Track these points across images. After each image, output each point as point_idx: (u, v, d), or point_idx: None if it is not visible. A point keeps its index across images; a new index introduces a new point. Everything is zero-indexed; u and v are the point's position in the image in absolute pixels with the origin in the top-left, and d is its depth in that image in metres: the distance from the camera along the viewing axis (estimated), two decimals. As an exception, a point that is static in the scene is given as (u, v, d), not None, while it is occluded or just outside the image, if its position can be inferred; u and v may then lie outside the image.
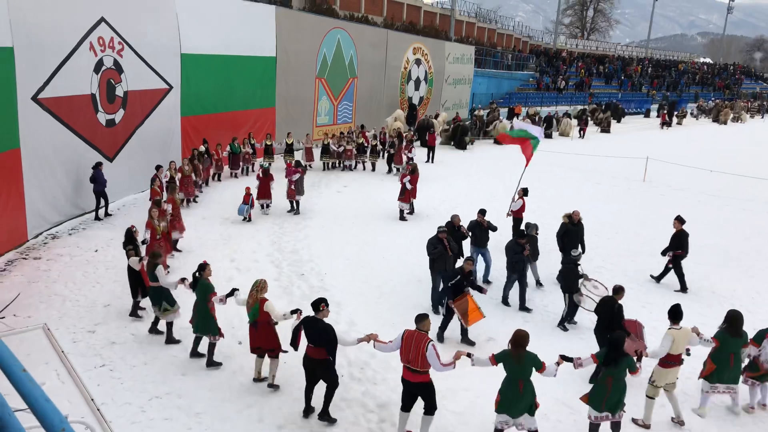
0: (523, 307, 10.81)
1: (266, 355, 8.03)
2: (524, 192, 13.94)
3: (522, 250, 10.60)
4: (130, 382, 8.00)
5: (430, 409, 6.94)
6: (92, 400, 5.99)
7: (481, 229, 11.77)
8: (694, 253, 12.52)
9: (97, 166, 14.28)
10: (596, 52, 66.50)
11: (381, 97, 29.18)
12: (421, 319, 6.90)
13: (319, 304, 7.28)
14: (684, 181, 22.48)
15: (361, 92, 28.04)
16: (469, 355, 6.95)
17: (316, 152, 21.95)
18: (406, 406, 7.03)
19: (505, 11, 54.69)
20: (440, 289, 10.43)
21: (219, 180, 19.16)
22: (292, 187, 16.06)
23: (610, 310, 8.45)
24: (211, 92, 19.49)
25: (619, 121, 42.78)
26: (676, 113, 44.67)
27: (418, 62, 31.75)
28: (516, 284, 10.87)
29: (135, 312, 9.88)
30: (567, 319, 10.31)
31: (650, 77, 60.45)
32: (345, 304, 10.75)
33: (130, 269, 9.79)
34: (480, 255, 11.84)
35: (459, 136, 28.08)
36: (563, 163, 24.73)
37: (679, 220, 12.29)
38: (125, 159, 16.05)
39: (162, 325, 9.27)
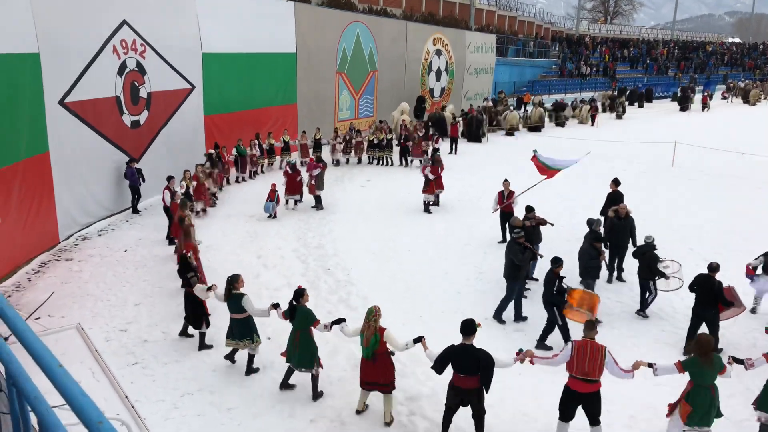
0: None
1: (378, 390, 7.31)
2: (507, 182, 13.46)
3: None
4: (162, 380, 8.12)
5: (597, 419, 6.71)
6: (126, 397, 6.11)
7: (533, 227, 11.51)
8: (724, 240, 12.23)
9: (128, 163, 14.97)
10: (620, 36, 65.42)
11: (402, 90, 29.07)
12: (591, 327, 6.69)
13: (473, 326, 6.70)
14: (714, 166, 22.02)
15: (382, 85, 27.98)
16: (650, 365, 6.71)
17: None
18: (570, 416, 6.76)
19: (525, -2, 54.12)
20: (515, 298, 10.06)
21: (228, 183, 18.49)
22: (313, 182, 16.12)
23: (710, 288, 8.72)
24: (233, 91, 19.62)
25: (641, 105, 42.04)
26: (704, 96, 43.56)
27: (438, 53, 31.56)
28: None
29: (185, 333, 9.24)
30: (646, 306, 10.21)
31: (677, 60, 59.24)
32: (371, 298, 10.74)
33: (191, 298, 8.87)
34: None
35: (474, 129, 27.76)
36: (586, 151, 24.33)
37: (615, 182, 13.33)
38: (151, 159, 16.25)
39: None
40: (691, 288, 9.09)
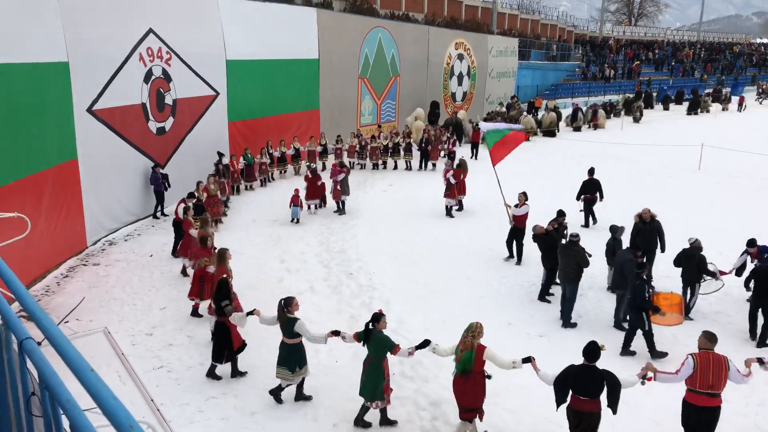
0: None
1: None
2: (525, 196, 12.77)
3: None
4: (187, 383, 8.22)
5: None
6: (152, 400, 6.19)
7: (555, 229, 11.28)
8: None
9: (153, 168, 15.20)
10: (644, 38, 64.62)
11: (424, 95, 29.08)
12: (712, 338, 6.49)
13: (598, 352, 6.35)
14: (740, 168, 21.63)
15: (404, 90, 28.01)
16: (759, 359, 6.59)
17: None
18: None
19: (548, 2, 53.76)
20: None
21: (237, 193, 18.01)
22: (338, 187, 16.19)
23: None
24: (256, 97, 19.81)
25: (666, 108, 41.34)
26: (721, 100, 42.58)
27: (460, 57, 31.52)
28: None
29: (213, 374, 8.36)
30: (689, 310, 10.15)
31: (703, 61, 58.35)
32: (393, 303, 10.77)
33: (224, 328, 8.15)
34: None
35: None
36: (610, 154, 24.13)
37: (590, 172, 15.22)
38: (176, 165, 16.48)
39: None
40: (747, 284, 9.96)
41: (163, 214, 15.56)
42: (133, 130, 14.75)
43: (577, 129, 32.10)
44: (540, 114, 32.30)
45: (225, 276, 8.31)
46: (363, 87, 25.39)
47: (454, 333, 9.06)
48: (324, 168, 19.81)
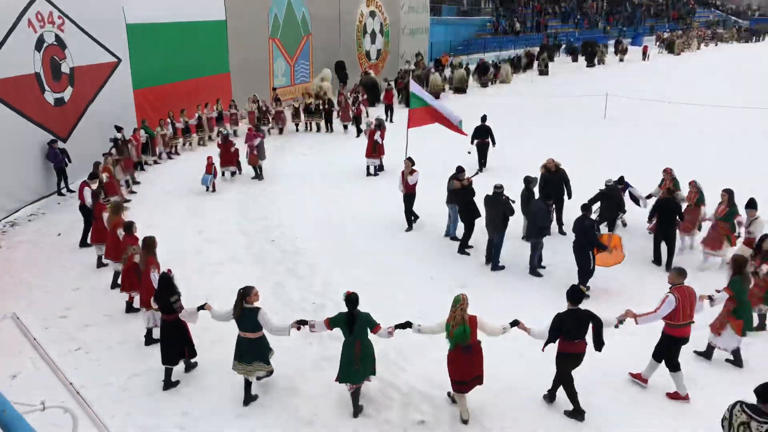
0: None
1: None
2: (411, 161, 12.26)
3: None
4: (108, 363, 7.96)
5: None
6: (71, 384, 5.97)
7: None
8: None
9: (50, 144, 14.22)
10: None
11: (338, 54, 28.64)
12: (682, 273, 7.00)
13: (581, 294, 6.67)
14: (644, 114, 22.75)
15: (317, 50, 27.47)
16: (710, 297, 7.26)
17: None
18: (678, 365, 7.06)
19: (456, -45, 53.57)
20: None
21: (142, 169, 16.71)
22: (254, 152, 15.85)
23: (672, 210, 10.37)
24: (162, 62, 18.88)
25: (575, 60, 42.72)
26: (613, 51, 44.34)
27: (372, 14, 31.15)
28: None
29: (171, 382, 7.56)
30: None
31: (606, 13, 60.37)
32: (319, 267, 10.78)
33: (174, 326, 7.40)
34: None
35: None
36: (519, 107, 24.77)
37: (482, 119, 16.15)
38: (80, 137, 15.58)
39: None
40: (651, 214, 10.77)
41: (69, 190, 14.70)
42: (27, 102, 13.77)
43: (485, 85, 32.66)
44: (447, 71, 32.55)
45: (166, 271, 7.47)
46: (274, 48, 24.71)
47: (383, 292, 9.28)
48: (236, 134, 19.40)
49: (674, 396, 7.09)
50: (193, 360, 7.75)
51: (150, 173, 16.68)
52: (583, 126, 21.74)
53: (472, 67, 34.18)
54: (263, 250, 11.57)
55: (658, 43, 51.38)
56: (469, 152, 15.75)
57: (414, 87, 14.24)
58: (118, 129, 15.72)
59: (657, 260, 10.65)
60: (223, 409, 7.06)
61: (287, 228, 12.62)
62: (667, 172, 11.73)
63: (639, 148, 18.24)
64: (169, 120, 18.11)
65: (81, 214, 11.74)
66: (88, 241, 11.30)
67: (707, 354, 7.84)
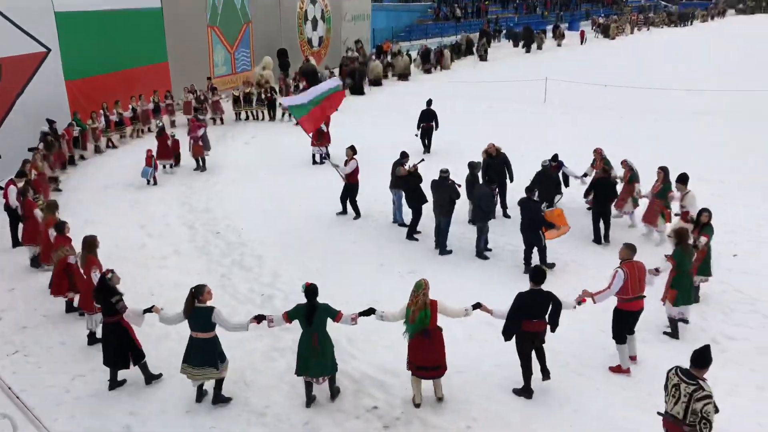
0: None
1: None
2: (353, 150, 12.24)
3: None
4: (49, 365, 7.69)
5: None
6: (9, 388, 5.75)
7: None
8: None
9: None
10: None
11: (279, 41, 28.19)
12: (632, 248, 7.23)
13: (544, 274, 6.75)
14: (582, 98, 23.35)
15: (258, 37, 26.98)
16: (656, 269, 7.55)
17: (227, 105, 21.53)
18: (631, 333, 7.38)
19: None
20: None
21: (73, 164, 15.98)
22: (199, 143, 15.50)
23: (608, 187, 10.91)
24: (95, 52, 18.16)
25: (516, 45, 43.33)
26: (551, 36, 45.15)
27: (313, 1, 30.78)
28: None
29: (116, 382, 7.30)
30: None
31: (543, -2, 61.45)
32: (266, 257, 10.68)
33: (114, 330, 7.07)
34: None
35: (358, 80, 27.29)
36: (462, 93, 24.99)
37: (428, 103, 16.63)
38: (10, 132, 14.87)
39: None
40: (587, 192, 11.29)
41: (-1, 188, 14.02)
42: (-51, 96, 13.06)
43: (428, 71, 32.83)
44: (388, 58, 32.53)
45: (104, 272, 7.14)
46: (213, 36, 24.13)
47: (332, 280, 9.23)
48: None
49: (616, 369, 7.34)
50: (156, 373, 7.33)
51: (87, 167, 16.08)
52: (524, 110, 22.15)
53: (413, 53, 34.27)
54: (208, 243, 11.37)
55: (594, 28, 52.66)
56: (416, 135, 16.43)
57: (285, 101, 14.03)
58: (50, 122, 15.08)
59: (597, 239, 11.02)
60: (173, 406, 6.93)
61: (232, 219, 12.43)
62: (598, 152, 12.13)
63: (577, 130, 18.73)
64: (102, 112, 17.40)
65: (7, 214, 11.22)
66: (20, 240, 10.83)
67: (674, 333, 8.02)
